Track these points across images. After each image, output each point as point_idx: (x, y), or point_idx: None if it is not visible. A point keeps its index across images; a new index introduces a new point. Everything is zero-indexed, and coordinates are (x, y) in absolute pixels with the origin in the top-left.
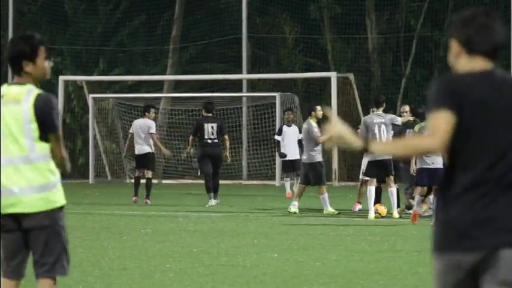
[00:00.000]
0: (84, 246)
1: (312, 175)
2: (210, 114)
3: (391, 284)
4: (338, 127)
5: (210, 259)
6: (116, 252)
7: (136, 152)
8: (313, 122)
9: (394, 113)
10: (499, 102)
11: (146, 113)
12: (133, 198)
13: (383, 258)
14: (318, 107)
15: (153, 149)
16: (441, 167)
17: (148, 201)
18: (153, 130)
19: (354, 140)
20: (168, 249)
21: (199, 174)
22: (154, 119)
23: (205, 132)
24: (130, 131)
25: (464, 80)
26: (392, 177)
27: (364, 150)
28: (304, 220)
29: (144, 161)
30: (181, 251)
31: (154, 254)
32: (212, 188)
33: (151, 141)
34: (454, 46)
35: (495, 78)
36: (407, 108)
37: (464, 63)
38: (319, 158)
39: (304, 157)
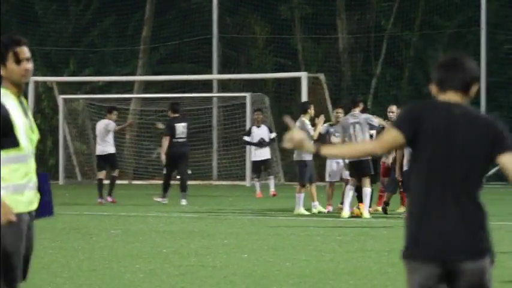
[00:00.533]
0: (54, 247)
1: (297, 172)
2: (177, 115)
3: (360, 284)
4: (299, 134)
5: (180, 259)
6: (85, 253)
7: (98, 153)
8: (306, 120)
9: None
10: (452, 133)
11: (108, 114)
12: (98, 200)
13: (353, 258)
14: (312, 105)
15: (114, 149)
16: None
17: (110, 198)
18: (111, 128)
19: (310, 146)
20: (137, 250)
21: (164, 172)
22: (116, 121)
23: (176, 132)
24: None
25: (423, 109)
26: (368, 178)
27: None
28: (274, 220)
29: (106, 162)
30: (151, 251)
31: (124, 254)
32: (181, 188)
33: (112, 141)
34: (433, 87)
35: (456, 111)
36: (394, 108)
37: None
38: (307, 157)
39: (294, 155)
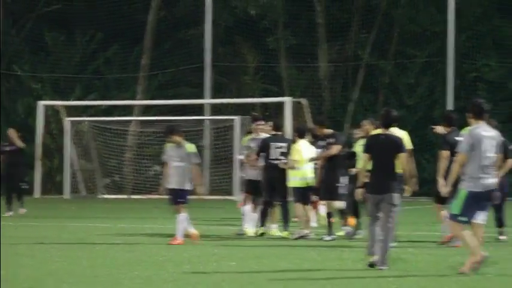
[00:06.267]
0: (60, 256)
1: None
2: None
3: None
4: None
5: (174, 267)
6: (88, 261)
7: None
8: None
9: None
10: (380, 146)
11: None
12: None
13: (331, 266)
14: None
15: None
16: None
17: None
18: None
19: None
20: (136, 258)
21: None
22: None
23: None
24: None
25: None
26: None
27: None
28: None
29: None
30: (148, 260)
31: (124, 262)
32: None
33: None
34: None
35: (382, 136)
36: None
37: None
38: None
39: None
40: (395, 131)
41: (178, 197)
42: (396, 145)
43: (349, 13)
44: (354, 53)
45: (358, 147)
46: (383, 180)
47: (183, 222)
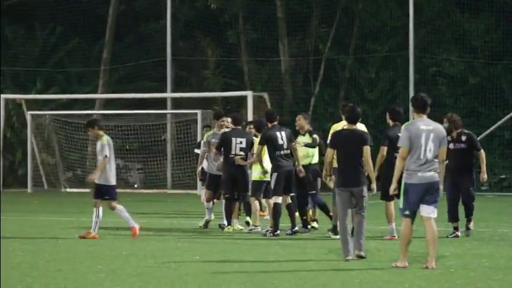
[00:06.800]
0: (23, 250)
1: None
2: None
3: (301, 283)
4: None
5: (137, 261)
6: (52, 255)
7: None
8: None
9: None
10: (348, 140)
11: None
12: None
13: (294, 260)
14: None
15: None
16: None
17: None
18: None
19: None
20: (99, 252)
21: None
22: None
23: None
24: None
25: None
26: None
27: None
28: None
29: None
30: (111, 253)
31: (87, 256)
32: None
33: None
34: None
35: (349, 131)
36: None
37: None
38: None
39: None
40: (358, 126)
41: (104, 194)
42: (362, 138)
43: (309, 7)
44: (315, 47)
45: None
46: (352, 174)
47: (122, 212)
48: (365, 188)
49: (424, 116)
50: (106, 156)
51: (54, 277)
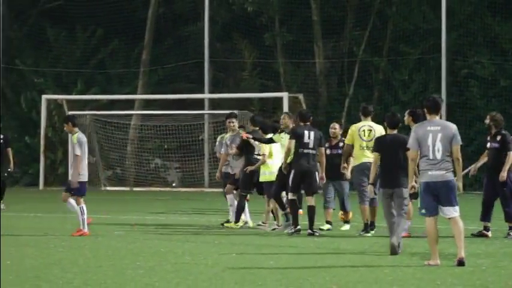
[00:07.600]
0: (64, 246)
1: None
2: None
3: (335, 280)
4: None
5: (175, 258)
6: (92, 251)
7: None
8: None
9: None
10: (392, 144)
11: None
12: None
13: (328, 258)
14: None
15: None
16: None
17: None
18: None
19: None
20: (138, 249)
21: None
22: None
23: None
24: None
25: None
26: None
27: None
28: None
29: None
30: (149, 250)
31: (126, 253)
32: None
33: None
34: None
35: (392, 136)
36: (336, 125)
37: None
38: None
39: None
40: (375, 126)
41: (72, 189)
42: (404, 143)
43: (344, 11)
44: (349, 49)
45: (279, 138)
46: (393, 175)
47: (74, 208)
48: (405, 190)
49: (436, 117)
50: (76, 155)
51: (94, 273)
